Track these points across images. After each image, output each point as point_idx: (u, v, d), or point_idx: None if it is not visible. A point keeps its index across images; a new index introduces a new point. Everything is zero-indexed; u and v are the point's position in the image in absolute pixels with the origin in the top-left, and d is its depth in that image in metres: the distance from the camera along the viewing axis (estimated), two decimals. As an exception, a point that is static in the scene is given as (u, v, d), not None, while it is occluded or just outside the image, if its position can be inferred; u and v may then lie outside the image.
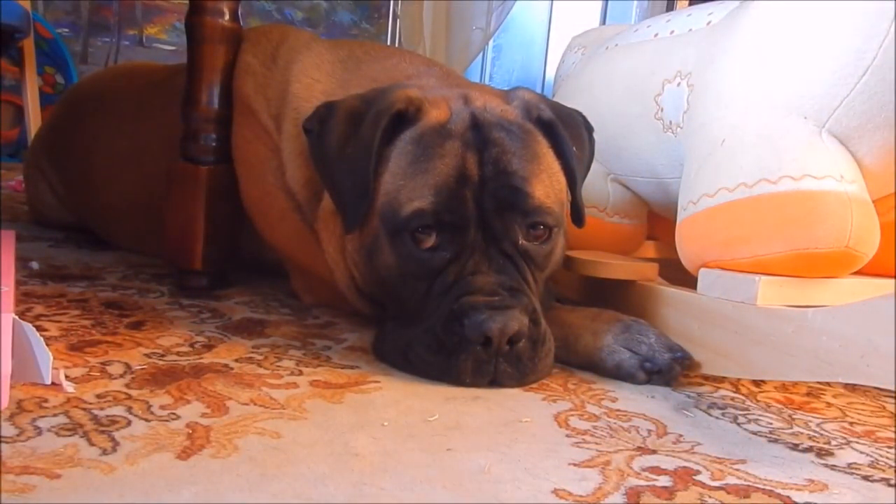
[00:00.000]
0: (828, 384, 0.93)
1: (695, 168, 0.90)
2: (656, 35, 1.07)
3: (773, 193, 0.79)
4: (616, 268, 0.98)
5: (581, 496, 0.54)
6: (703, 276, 0.87)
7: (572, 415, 0.71)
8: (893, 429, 0.77)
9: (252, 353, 0.81)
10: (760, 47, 0.86)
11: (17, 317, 0.62)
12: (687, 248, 0.90)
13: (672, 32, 1.04)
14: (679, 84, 0.98)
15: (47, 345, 0.65)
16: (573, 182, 0.90)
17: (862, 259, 0.81)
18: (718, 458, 0.64)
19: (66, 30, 3.19)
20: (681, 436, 0.68)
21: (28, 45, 2.50)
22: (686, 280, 0.93)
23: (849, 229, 0.77)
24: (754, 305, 0.80)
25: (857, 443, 0.71)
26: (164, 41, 3.33)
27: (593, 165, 1.01)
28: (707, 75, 0.93)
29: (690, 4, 3.10)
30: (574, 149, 0.90)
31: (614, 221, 1.18)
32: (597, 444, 0.64)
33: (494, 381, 0.77)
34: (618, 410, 0.73)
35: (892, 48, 0.77)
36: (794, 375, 0.76)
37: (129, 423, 0.59)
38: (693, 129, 0.94)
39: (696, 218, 0.87)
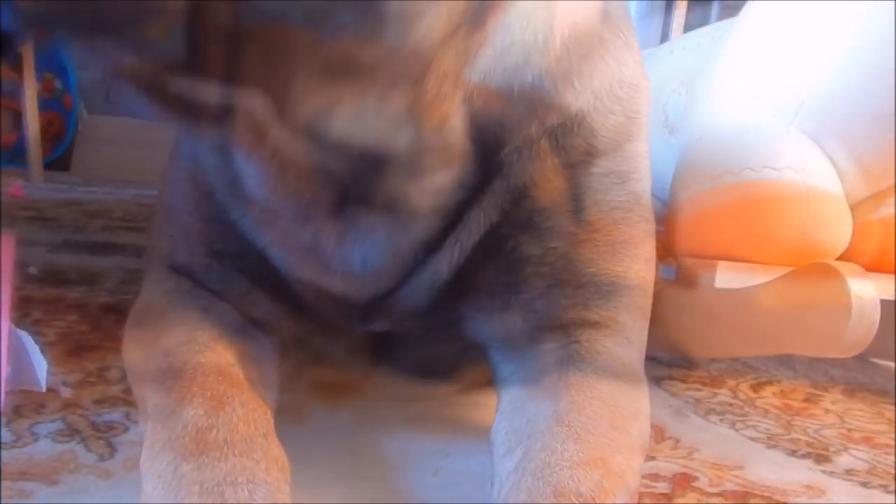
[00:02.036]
0: (825, 389, 0.93)
1: (677, 165, 0.92)
2: (672, 51, 1.10)
3: (736, 183, 0.82)
4: None
5: (579, 502, 0.53)
6: (679, 265, 0.89)
7: (570, 420, 0.71)
8: (892, 434, 0.77)
9: (250, 358, 0.81)
10: (740, 49, 0.89)
11: (12, 324, 0.62)
12: (667, 240, 0.92)
13: (685, 48, 1.07)
14: (680, 92, 1.00)
15: (45, 349, 0.65)
16: None
17: (824, 248, 0.82)
18: (717, 463, 0.64)
19: (65, 35, 3.19)
20: (679, 441, 0.68)
21: (27, 50, 2.50)
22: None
23: (804, 217, 0.79)
24: (713, 288, 0.82)
25: (856, 448, 0.72)
26: (163, 46, 3.33)
27: None
28: (700, 79, 0.95)
29: (689, 5, 3.12)
30: None
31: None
32: (595, 449, 0.64)
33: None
34: (616, 416, 0.73)
35: (852, 50, 0.79)
36: (738, 351, 0.79)
37: (127, 428, 0.58)
38: (683, 128, 0.96)
39: (672, 211, 0.89)
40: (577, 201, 0.49)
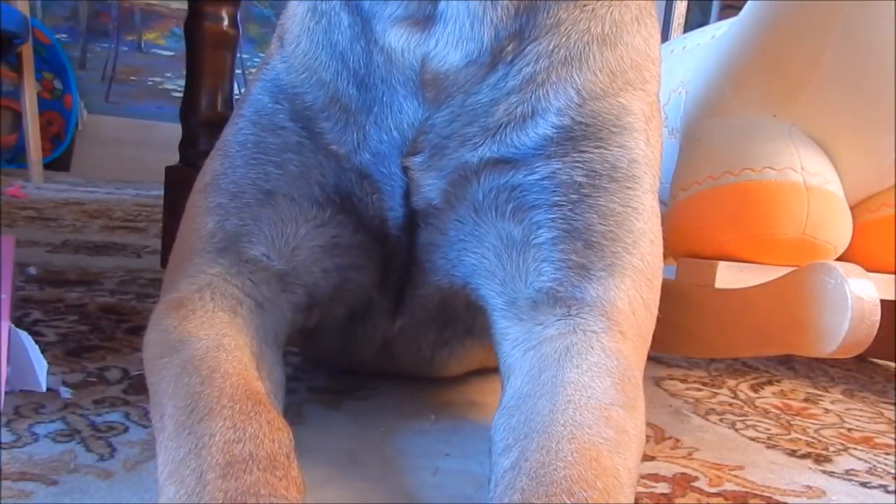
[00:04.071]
0: (825, 389, 0.93)
1: (678, 165, 0.92)
2: (672, 52, 1.10)
3: (735, 184, 0.82)
4: None
5: (579, 502, 0.53)
6: (679, 265, 0.89)
7: (570, 420, 0.71)
8: (892, 434, 0.77)
9: (250, 358, 0.81)
10: (740, 49, 0.89)
11: (12, 325, 0.62)
12: (668, 240, 0.93)
13: (685, 48, 1.07)
14: (680, 93, 1.00)
15: (45, 350, 0.65)
16: None
17: (825, 248, 0.82)
18: (716, 464, 0.64)
19: (65, 35, 3.20)
20: (679, 441, 0.68)
21: (26, 50, 2.50)
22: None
23: (804, 217, 0.79)
24: (713, 287, 0.82)
25: (856, 448, 0.72)
26: (163, 47, 3.33)
27: None
28: (698, 81, 0.95)
29: (689, 5, 3.11)
30: None
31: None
32: (595, 449, 0.64)
33: None
34: (616, 416, 0.73)
35: (843, 49, 0.79)
36: (737, 351, 0.79)
37: (126, 429, 0.59)
38: (683, 130, 0.97)
39: (672, 210, 0.89)
40: (607, 130, 0.53)
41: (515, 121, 0.52)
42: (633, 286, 0.53)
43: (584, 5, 0.53)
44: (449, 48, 0.51)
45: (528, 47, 0.52)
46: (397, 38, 0.52)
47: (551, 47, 0.52)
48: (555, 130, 0.52)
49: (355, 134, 0.55)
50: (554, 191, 0.52)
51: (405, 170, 0.54)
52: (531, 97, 0.52)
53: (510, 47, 0.51)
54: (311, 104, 0.55)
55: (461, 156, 0.53)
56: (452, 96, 0.52)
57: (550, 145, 0.52)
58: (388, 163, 0.54)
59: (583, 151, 0.53)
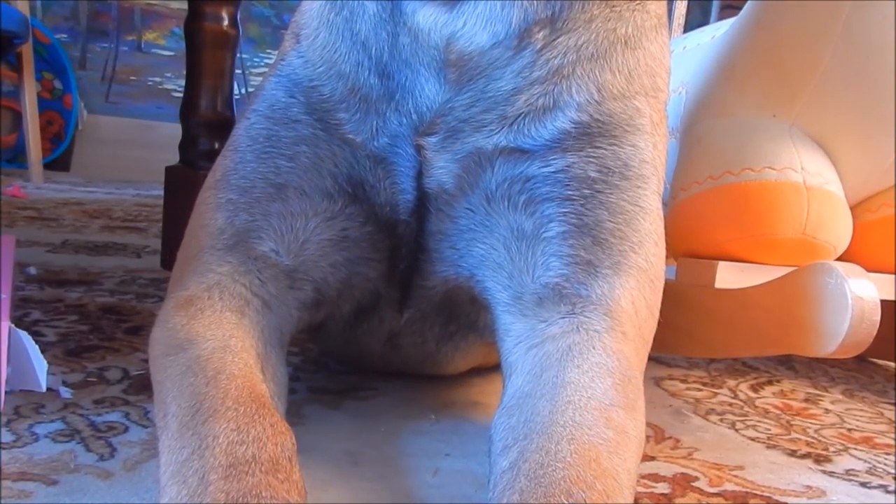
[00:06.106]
0: (825, 389, 0.93)
1: (678, 165, 0.92)
2: (672, 52, 1.10)
3: (736, 184, 0.82)
4: None
5: (579, 502, 0.53)
6: (679, 265, 0.89)
7: (570, 420, 0.71)
8: (892, 434, 0.77)
9: (250, 358, 0.81)
10: (740, 49, 0.89)
11: (12, 325, 0.62)
12: (668, 240, 0.93)
13: (685, 48, 1.07)
14: (680, 93, 1.00)
15: (45, 350, 0.65)
16: None
17: (825, 248, 0.82)
18: (716, 464, 0.64)
19: (65, 35, 3.20)
20: (679, 441, 0.68)
21: (27, 50, 2.50)
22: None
23: (804, 217, 0.79)
24: (713, 287, 0.82)
25: (856, 449, 0.72)
26: (163, 47, 3.33)
27: None
28: (698, 81, 0.95)
29: (689, 5, 3.11)
30: None
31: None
32: (595, 449, 0.64)
33: None
34: (616, 416, 0.73)
35: (843, 49, 0.79)
36: (737, 351, 0.79)
37: (126, 429, 0.59)
38: (683, 131, 0.97)
39: (672, 210, 0.89)
40: (621, 129, 0.53)
41: (535, 112, 0.53)
42: (637, 286, 0.53)
43: (614, 6, 0.53)
44: (477, 28, 0.51)
45: (560, 39, 0.52)
46: (426, 18, 0.52)
47: (581, 42, 0.52)
48: (573, 125, 0.53)
49: (375, 122, 0.55)
50: (567, 184, 0.52)
51: (419, 149, 0.54)
52: (554, 89, 0.52)
53: (540, 34, 0.52)
54: (329, 96, 0.55)
55: (476, 141, 0.53)
56: (474, 80, 0.52)
57: (567, 139, 0.53)
58: (403, 143, 0.54)
59: (597, 147, 0.53)
